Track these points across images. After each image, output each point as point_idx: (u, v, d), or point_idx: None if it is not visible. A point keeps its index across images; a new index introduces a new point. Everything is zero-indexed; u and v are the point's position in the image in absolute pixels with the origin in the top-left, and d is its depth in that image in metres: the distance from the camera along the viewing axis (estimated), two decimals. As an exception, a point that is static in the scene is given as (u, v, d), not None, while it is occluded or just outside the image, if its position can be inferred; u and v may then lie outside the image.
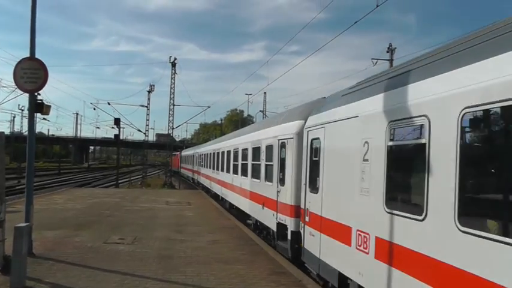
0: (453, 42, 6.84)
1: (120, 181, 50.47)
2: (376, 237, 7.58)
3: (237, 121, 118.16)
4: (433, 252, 5.90)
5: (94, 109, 55.59)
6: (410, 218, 6.55)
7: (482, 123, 5.48)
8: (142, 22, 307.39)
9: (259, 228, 17.76)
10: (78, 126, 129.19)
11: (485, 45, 5.58)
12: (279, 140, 15.01)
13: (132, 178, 59.25)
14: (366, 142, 8.10)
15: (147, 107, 56.54)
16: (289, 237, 13.32)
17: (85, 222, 17.97)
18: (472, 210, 5.45)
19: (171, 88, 53.37)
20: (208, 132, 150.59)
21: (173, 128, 54.55)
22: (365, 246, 7.94)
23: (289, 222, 13.32)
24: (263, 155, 17.08)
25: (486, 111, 5.18)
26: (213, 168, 33.21)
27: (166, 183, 52.87)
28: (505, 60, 4.97)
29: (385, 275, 7.16)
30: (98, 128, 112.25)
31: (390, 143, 7.33)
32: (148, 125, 57.11)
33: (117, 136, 45.35)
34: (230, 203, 25.03)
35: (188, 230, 17.12)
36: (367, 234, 7.90)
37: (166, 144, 66.19)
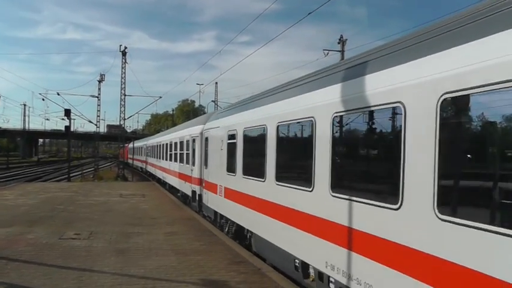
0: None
1: (72, 174, 49.29)
2: (225, 187, 15.48)
3: (189, 111, 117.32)
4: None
5: (43, 100, 53.76)
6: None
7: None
8: (90, 8, 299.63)
9: (184, 197, 25.98)
10: (26, 118, 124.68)
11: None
12: (191, 136, 23.40)
13: (84, 171, 58.03)
14: (221, 141, 15.79)
15: (97, 97, 55.29)
16: (197, 198, 21.27)
17: (38, 218, 17.53)
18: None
19: (122, 78, 52.41)
20: (159, 122, 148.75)
21: (125, 119, 53.62)
22: (221, 194, 16.05)
23: (197, 189, 21.31)
24: (184, 147, 25.79)
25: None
26: (156, 158, 41.52)
27: (119, 176, 52.05)
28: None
29: (228, 207, 15.00)
30: (47, 119, 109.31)
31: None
32: (99, 116, 55.83)
33: (67, 128, 44.06)
34: (169, 184, 32.82)
35: (145, 223, 17.02)
36: (221, 186, 15.84)
37: (118, 136, 64.95)
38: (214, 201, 17.20)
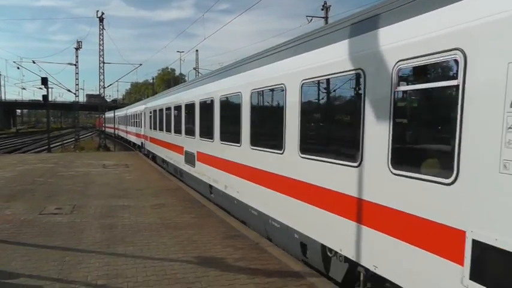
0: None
1: (52, 145, 47.88)
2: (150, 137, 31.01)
3: (169, 80, 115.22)
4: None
5: (18, 68, 51.68)
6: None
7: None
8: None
9: (138, 147, 40.81)
10: (2, 88, 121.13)
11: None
12: (141, 111, 37.02)
13: (64, 142, 56.56)
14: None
15: (75, 65, 53.31)
16: (142, 147, 36.98)
17: (16, 191, 16.49)
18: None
19: (100, 45, 50.47)
20: (140, 91, 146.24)
21: (104, 88, 51.92)
22: (149, 141, 32.72)
23: (144, 142, 35.13)
24: (138, 117, 39.94)
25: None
26: (124, 125, 56.30)
27: (101, 146, 50.78)
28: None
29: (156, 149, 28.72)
30: (23, 89, 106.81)
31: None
32: (78, 85, 53.81)
33: (45, 97, 42.31)
34: (129, 141, 49.12)
35: (130, 194, 16.15)
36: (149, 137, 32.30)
37: (98, 105, 63.27)
38: (149, 146, 33.03)
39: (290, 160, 9.23)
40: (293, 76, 9.06)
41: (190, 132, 18.09)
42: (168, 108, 23.07)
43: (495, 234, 4.62)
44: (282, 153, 9.62)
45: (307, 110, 8.81)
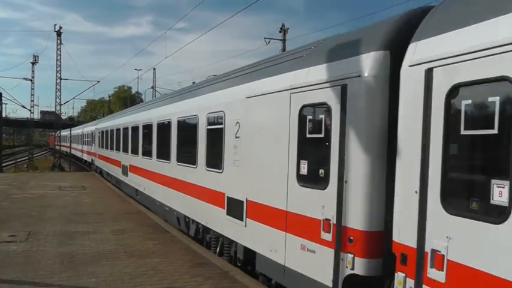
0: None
1: (4, 164, 45.92)
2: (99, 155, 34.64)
3: (126, 98, 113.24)
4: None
5: (-32, 83, 49.72)
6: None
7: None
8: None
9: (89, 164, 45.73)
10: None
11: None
12: (92, 131, 40.74)
13: (18, 160, 54.47)
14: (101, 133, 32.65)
15: (31, 80, 51.59)
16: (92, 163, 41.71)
17: (-36, 216, 15.49)
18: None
19: (57, 60, 49.05)
20: (95, 109, 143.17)
21: (61, 104, 50.38)
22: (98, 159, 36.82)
23: (94, 159, 39.41)
24: (90, 136, 42.99)
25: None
26: (77, 143, 58.98)
27: (55, 165, 49.12)
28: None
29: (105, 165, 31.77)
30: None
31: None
32: (33, 101, 52.16)
33: (-2, 113, 40.76)
34: (84, 160, 51.73)
35: (89, 219, 15.44)
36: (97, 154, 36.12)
37: (53, 122, 61.42)
38: (97, 162, 36.66)
39: (173, 166, 14.50)
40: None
41: (125, 149, 23.30)
42: (110, 130, 28.62)
43: (231, 193, 10.01)
44: (169, 163, 14.86)
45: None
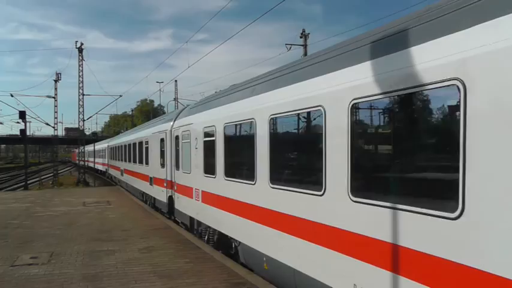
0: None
1: (29, 181, 45.63)
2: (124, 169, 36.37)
3: (148, 111, 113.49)
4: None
5: (-5, 102, 49.64)
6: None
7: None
8: (45, 7, 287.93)
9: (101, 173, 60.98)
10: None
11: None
12: (105, 147, 55.02)
13: (42, 177, 54.32)
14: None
15: (54, 97, 51.35)
16: (106, 172, 55.67)
17: (-14, 237, 14.75)
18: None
19: (79, 77, 48.90)
20: (119, 124, 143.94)
21: (84, 120, 50.18)
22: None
23: (107, 168, 53.48)
24: (104, 151, 57.52)
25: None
26: (96, 157, 67.39)
27: (80, 181, 48.74)
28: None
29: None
30: (1, 123, 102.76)
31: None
32: (56, 118, 51.96)
33: (23, 131, 40.44)
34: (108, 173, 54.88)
35: (114, 237, 14.58)
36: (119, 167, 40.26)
37: (78, 138, 61.35)
38: (109, 170, 51.18)
39: (139, 167, 26.97)
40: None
41: (123, 159, 36.09)
42: (115, 147, 42.87)
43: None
44: (146, 165, 24.72)
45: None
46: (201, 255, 12.14)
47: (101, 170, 62.26)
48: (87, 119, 52.99)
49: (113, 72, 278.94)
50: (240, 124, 10.87)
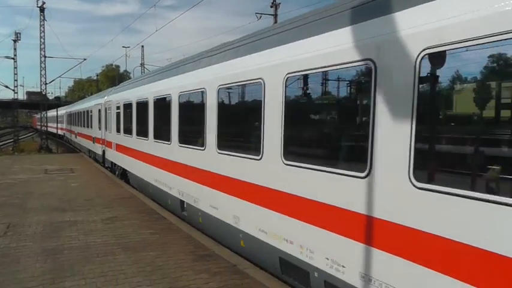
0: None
1: (-13, 147, 44.16)
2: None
3: (114, 77, 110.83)
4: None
5: None
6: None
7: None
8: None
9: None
10: None
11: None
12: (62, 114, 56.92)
13: (2, 143, 52.65)
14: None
15: (13, 58, 49.22)
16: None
17: None
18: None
19: (41, 38, 46.78)
20: (83, 89, 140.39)
21: (46, 84, 48.33)
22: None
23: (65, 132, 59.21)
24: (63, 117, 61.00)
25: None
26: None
27: (42, 147, 47.37)
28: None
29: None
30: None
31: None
32: (17, 81, 49.86)
33: (-21, 96, 38.85)
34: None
35: (77, 206, 14.09)
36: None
37: (40, 103, 59.50)
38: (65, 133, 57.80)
39: (87, 130, 33.70)
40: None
41: (76, 125, 42.96)
42: (71, 114, 48.83)
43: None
44: (91, 129, 31.60)
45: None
46: (166, 226, 11.83)
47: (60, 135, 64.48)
48: (50, 82, 51.26)
49: (77, 35, 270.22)
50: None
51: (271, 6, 40.00)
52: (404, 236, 5.08)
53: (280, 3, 39.95)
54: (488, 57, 4.33)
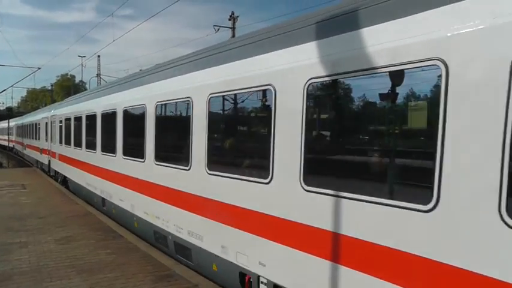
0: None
1: None
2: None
3: (69, 87, 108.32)
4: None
5: None
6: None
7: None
8: None
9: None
10: None
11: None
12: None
13: None
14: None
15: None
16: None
17: None
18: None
19: (-11, 48, 45.34)
20: (37, 99, 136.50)
21: (-4, 95, 46.69)
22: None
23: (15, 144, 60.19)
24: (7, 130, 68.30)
25: None
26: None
27: (-8, 161, 45.58)
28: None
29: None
30: None
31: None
32: (-36, 93, 47.85)
33: None
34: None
35: (28, 226, 13.43)
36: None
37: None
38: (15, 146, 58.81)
39: (35, 142, 34.93)
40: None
41: (25, 137, 44.21)
42: (19, 126, 47.40)
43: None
44: (38, 141, 33.02)
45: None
46: (124, 245, 11.41)
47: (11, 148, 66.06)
48: (1, 92, 49.43)
49: (31, 43, 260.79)
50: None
51: (229, 19, 40.55)
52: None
53: (238, 17, 40.52)
54: (346, 86, 5.74)
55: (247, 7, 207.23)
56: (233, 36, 37.69)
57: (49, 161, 28.43)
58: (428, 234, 4.51)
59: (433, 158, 4.43)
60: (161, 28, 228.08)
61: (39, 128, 33.64)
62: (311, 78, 5.87)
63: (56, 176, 26.25)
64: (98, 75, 73.00)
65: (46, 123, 29.55)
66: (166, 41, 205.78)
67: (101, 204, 15.76)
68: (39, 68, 44.60)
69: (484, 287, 4.06)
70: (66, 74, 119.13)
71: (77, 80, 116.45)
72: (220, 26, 39.05)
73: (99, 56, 74.63)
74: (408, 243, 4.67)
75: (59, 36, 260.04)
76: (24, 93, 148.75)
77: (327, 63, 5.65)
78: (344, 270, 5.39)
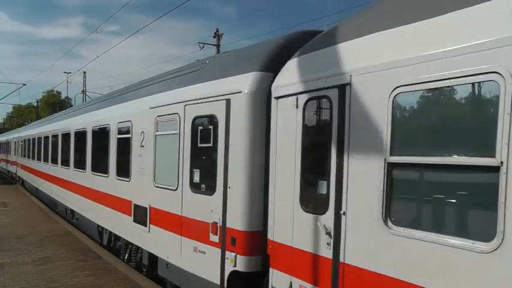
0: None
1: None
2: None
3: (55, 103, 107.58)
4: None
5: None
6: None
7: None
8: None
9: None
10: None
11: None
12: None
13: None
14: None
15: None
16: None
17: None
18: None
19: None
20: (23, 115, 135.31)
21: (-19, 112, 46.27)
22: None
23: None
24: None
25: None
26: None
27: (-26, 178, 45.03)
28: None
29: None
30: None
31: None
32: None
33: None
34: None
35: (6, 246, 13.23)
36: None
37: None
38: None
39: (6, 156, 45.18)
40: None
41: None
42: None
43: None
44: (10, 155, 42.70)
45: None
46: (102, 265, 11.29)
47: None
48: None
49: (16, 58, 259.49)
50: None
51: (214, 37, 41.00)
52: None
53: (222, 34, 41.00)
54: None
55: (232, 25, 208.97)
56: (218, 53, 38.04)
57: (16, 170, 37.29)
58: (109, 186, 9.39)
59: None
60: (147, 44, 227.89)
61: (10, 145, 42.36)
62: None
63: (21, 179, 34.81)
64: (83, 91, 72.54)
65: (15, 142, 37.83)
66: (153, 57, 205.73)
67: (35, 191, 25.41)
68: (24, 84, 44.38)
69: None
70: (52, 90, 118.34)
71: (63, 96, 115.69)
72: (205, 44, 39.46)
73: (84, 72, 74.16)
74: None
75: (45, 52, 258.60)
76: (10, 110, 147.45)
77: None
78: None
